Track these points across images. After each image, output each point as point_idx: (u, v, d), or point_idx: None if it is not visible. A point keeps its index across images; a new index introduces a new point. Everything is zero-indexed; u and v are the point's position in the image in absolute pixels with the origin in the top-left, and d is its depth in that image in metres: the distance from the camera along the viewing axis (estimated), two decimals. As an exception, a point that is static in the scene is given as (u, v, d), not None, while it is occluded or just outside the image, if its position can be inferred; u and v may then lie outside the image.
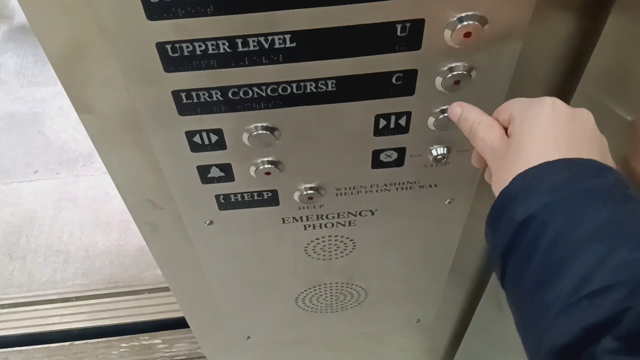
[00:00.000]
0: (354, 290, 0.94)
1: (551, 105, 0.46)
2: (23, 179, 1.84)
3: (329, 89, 0.57)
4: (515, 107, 0.48)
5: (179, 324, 1.54)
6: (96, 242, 1.70)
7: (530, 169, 0.44)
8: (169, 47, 0.52)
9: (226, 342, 1.06)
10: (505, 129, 0.49)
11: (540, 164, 0.43)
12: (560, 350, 0.39)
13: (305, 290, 0.92)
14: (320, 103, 0.58)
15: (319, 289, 0.92)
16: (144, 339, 1.53)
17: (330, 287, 0.92)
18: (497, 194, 0.47)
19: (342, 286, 0.92)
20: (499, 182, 0.46)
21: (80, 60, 0.55)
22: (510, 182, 0.44)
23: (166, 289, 1.61)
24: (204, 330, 1.03)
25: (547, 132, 0.45)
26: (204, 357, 1.48)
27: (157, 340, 1.53)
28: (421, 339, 1.14)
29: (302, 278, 0.89)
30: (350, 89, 0.57)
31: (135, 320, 1.56)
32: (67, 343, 1.53)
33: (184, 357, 1.52)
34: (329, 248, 0.82)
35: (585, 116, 0.47)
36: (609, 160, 0.46)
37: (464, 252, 0.87)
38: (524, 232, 0.42)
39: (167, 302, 1.58)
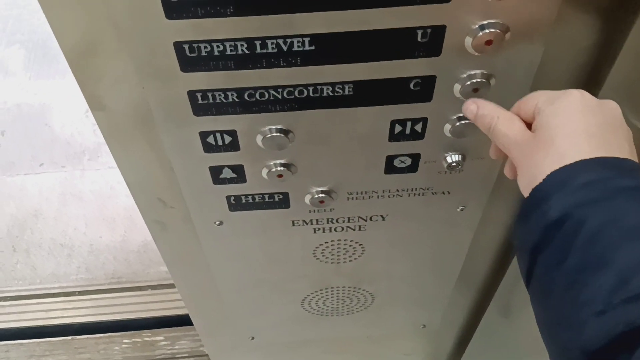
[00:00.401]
0: (361, 294, 0.93)
1: (580, 97, 0.45)
2: (28, 172, 1.84)
3: (346, 93, 0.56)
4: (540, 99, 0.47)
5: (182, 321, 1.54)
6: (100, 237, 1.70)
7: (565, 166, 0.42)
8: (186, 46, 0.51)
9: (230, 342, 1.05)
10: (527, 122, 0.48)
11: (575, 162, 0.42)
12: (592, 353, 0.37)
13: (312, 293, 0.92)
14: (337, 107, 0.58)
15: (326, 292, 0.92)
16: (146, 336, 1.53)
17: (337, 290, 0.92)
18: (523, 188, 0.46)
19: (349, 290, 0.92)
20: (527, 177, 0.45)
21: (95, 57, 0.54)
22: (544, 179, 0.43)
23: (169, 286, 1.61)
24: (209, 329, 1.03)
25: (577, 125, 0.44)
26: (206, 355, 1.48)
27: (159, 337, 1.53)
28: (426, 344, 1.14)
29: (309, 281, 0.89)
30: (367, 94, 0.57)
31: (137, 316, 1.56)
32: (69, 337, 1.53)
33: (186, 355, 1.51)
34: (338, 252, 0.81)
35: (612, 107, 0.46)
36: (634, 152, 0.45)
37: (473, 259, 0.87)
38: (557, 230, 0.41)
39: (170, 299, 1.57)
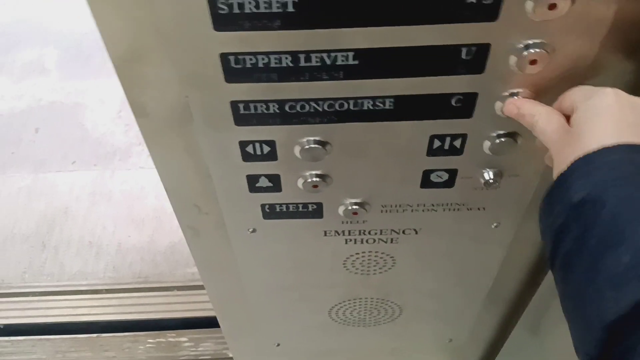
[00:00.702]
0: (389, 306, 0.93)
1: (613, 95, 0.47)
2: (60, 170, 1.87)
3: (387, 107, 0.57)
4: (577, 95, 0.49)
5: (206, 323, 1.55)
6: (128, 237, 1.72)
7: (587, 154, 0.44)
8: (232, 58, 0.52)
9: (256, 347, 1.06)
10: (567, 117, 0.49)
11: (598, 149, 0.44)
12: (610, 324, 0.39)
13: (340, 303, 0.92)
14: (377, 120, 0.58)
15: (354, 302, 0.92)
16: (171, 336, 1.54)
17: (365, 301, 0.92)
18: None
19: (377, 302, 0.91)
20: (556, 170, 0.47)
21: (141, 65, 0.55)
22: (568, 167, 0.45)
23: (195, 287, 1.62)
24: (235, 333, 1.03)
25: (607, 121, 0.46)
26: (230, 358, 1.49)
27: (183, 338, 1.54)
28: (452, 355, 1.13)
29: (337, 291, 0.89)
30: (408, 109, 0.57)
31: (162, 316, 1.57)
32: (94, 335, 1.55)
33: (209, 357, 1.52)
34: (368, 263, 0.81)
35: None
36: None
37: (503, 276, 0.86)
38: (579, 211, 0.44)
39: (195, 301, 1.58)
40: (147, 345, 1.54)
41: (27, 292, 1.63)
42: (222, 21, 0.48)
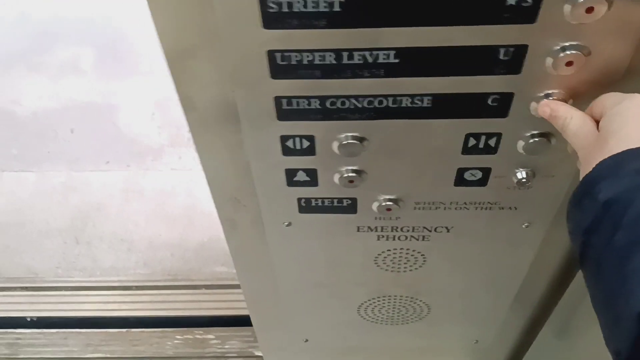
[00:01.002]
0: (417, 305, 0.94)
1: None
2: (94, 168, 1.91)
3: (424, 105, 0.59)
4: (607, 101, 0.51)
5: (233, 321, 1.58)
6: (160, 234, 1.76)
7: (612, 155, 0.47)
8: (279, 55, 0.54)
9: (285, 342, 1.08)
10: (598, 122, 0.51)
11: (622, 151, 0.46)
12: (638, 314, 0.41)
13: (369, 300, 0.94)
14: (414, 118, 0.60)
15: (383, 300, 0.93)
16: (198, 333, 1.57)
17: (394, 299, 0.93)
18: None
19: (406, 300, 0.93)
20: (584, 171, 0.49)
21: (192, 60, 0.58)
22: (594, 168, 0.48)
23: (223, 287, 1.65)
24: (266, 326, 1.06)
25: (634, 125, 0.48)
26: (255, 356, 1.51)
27: (210, 335, 1.57)
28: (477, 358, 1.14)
29: (367, 287, 0.91)
30: (445, 107, 0.59)
31: (191, 314, 1.60)
32: (125, 330, 1.58)
33: (235, 355, 1.55)
34: (399, 260, 0.83)
35: None
36: None
37: (531, 278, 0.87)
38: (607, 211, 0.45)
39: (223, 300, 1.61)
40: (175, 341, 1.57)
41: (60, 287, 1.67)
42: (271, 19, 0.51)
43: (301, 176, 0.68)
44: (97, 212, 1.82)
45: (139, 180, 1.88)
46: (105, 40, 2.25)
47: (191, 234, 1.76)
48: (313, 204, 0.73)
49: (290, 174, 0.68)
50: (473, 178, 0.67)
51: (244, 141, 0.64)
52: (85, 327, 1.60)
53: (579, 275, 0.88)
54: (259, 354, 1.51)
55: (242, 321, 1.56)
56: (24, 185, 1.89)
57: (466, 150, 0.64)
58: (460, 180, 0.68)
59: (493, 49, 0.53)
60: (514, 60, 0.54)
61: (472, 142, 0.63)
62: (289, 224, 0.77)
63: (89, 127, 2.02)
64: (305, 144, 0.64)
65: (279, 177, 0.69)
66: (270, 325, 1.04)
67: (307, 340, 1.06)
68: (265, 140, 0.64)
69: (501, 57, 0.54)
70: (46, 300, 1.65)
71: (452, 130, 0.62)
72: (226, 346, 1.56)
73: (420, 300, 0.93)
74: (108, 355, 1.56)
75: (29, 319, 1.62)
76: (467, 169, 0.66)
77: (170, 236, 1.76)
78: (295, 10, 0.50)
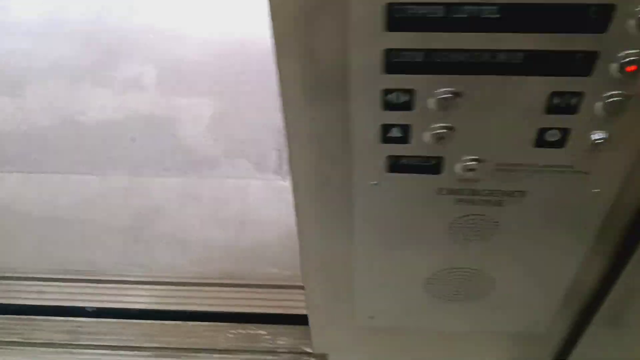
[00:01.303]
0: (483, 279, 1.00)
1: None
2: (153, 174, 2.01)
3: (518, 61, 0.66)
4: None
5: (284, 319, 1.63)
6: (214, 237, 1.83)
7: None
8: (396, 8, 0.63)
9: (351, 318, 1.13)
10: None
11: None
12: None
13: (438, 272, 0.99)
14: (506, 74, 0.68)
15: (450, 273, 0.99)
16: (250, 329, 1.63)
17: (462, 272, 0.99)
18: None
19: (472, 273, 0.99)
20: None
21: (316, 13, 0.67)
22: None
23: (275, 287, 1.71)
24: (333, 299, 1.11)
25: None
26: (306, 353, 1.56)
27: (262, 331, 1.62)
28: (529, 348, 1.18)
29: (438, 258, 0.97)
30: (535, 63, 0.66)
31: (243, 310, 1.66)
32: (180, 322, 1.65)
33: (286, 351, 1.60)
34: (473, 226, 0.89)
35: None
36: None
37: (590, 261, 0.93)
38: None
39: (275, 299, 1.67)
40: (228, 334, 1.62)
41: (118, 280, 1.75)
42: (396, -28, 0.60)
43: (395, 132, 0.76)
44: (155, 214, 1.90)
45: (196, 186, 1.97)
46: (166, 61, 2.38)
47: (243, 238, 1.83)
48: (402, 162, 0.80)
49: (386, 129, 0.76)
50: (552, 139, 0.75)
51: (351, 95, 0.72)
52: (142, 318, 1.67)
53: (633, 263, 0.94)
54: (309, 350, 1.56)
55: (294, 319, 1.62)
56: (87, 187, 1.99)
57: (549, 109, 0.71)
58: (540, 140, 0.75)
59: (583, 7, 0.61)
60: (600, 19, 0.62)
61: (555, 100, 0.70)
62: (376, 184, 0.84)
63: (149, 137, 2.13)
64: (405, 98, 0.72)
65: (375, 134, 0.77)
66: (337, 298, 1.09)
67: (372, 317, 1.12)
68: (369, 95, 0.72)
69: (589, 15, 0.62)
70: (105, 292, 1.72)
71: (538, 88, 0.69)
72: (277, 342, 1.61)
73: (487, 274, 0.99)
74: (164, 346, 1.62)
75: (89, 309, 1.69)
76: (548, 129, 0.74)
77: (224, 239, 1.83)
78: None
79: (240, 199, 1.93)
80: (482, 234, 0.90)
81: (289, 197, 0.97)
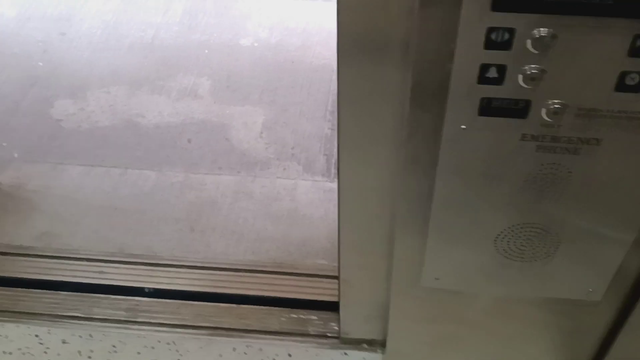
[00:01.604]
0: (549, 238, 1.08)
1: None
2: (208, 172, 2.12)
3: (608, 2, 0.77)
4: None
5: (334, 307, 1.70)
6: (266, 229, 1.92)
7: None
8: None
9: (417, 279, 1.21)
10: None
11: None
12: None
13: (508, 228, 1.07)
14: (598, 15, 0.78)
15: (519, 229, 1.07)
16: (302, 314, 1.69)
17: (530, 229, 1.07)
18: None
19: (540, 231, 1.07)
20: None
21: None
22: None
23: (324, 277, 1.79)
24: (403, 257, 1.18)
25: None
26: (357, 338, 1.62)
27: (313, 316, 1.69)
28: (584, 316, 1.24)
29: (511, 212, 1.05)
30: (624, 4, 0.77)
31: (295, 297, 1.73)
32: (234, 305, 1.72)
33: (335, 335, 1.66)
34: (548, 177, 0.98)
35: None
36: None
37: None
38: None
39: (324, 287, 1.74)
40: (281, 318, 1.69)
41: (175, 265, 1.83)
42: None
43: (492, 72, 0.86)
44: (210, 207, 2.00)
45: (248, 184, 2.07)
46: (220, 73, 2.52)
47: (294, 232, 1.92)
48: (493, 104, 0.90)
49: (484, 69, 0.86)
50: (632, 82, 0.84)
51: (459, 31, 0.83)
52: (197, 300, 1.74)
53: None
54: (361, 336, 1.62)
55: (344, 306, 1.68)
56: (145, 181, 2.09)
57: (632, 51, 0.81)
58: (621, 85, 0.85)
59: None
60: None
61: (638, 43, 0.80)
62: (466, 128, 0.93)
63: (204, 139, 2.25)
64: (505, 36, 0.82)
65: (473, 74, 0.87)
66: (408, 257, 1.17)
67: (437, 279, 1.19)
68: (475, 32, 0.82)
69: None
70: (162, 275, 1.80)
71: (623, 31, 0.79)
72: (327, 327, 1.67)
73: (553, 232, 1.07)
74: (217, 325, 1.69)
75: (146, 290, 1.77)
76: (629, 73, 0.83)
77: (276, 232, 1.92)
78: None
79: (291, 198, 2.03)
80: (556, 185, 0.99)
81: (336, 197, 1.11)
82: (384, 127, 1.02)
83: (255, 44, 2.67)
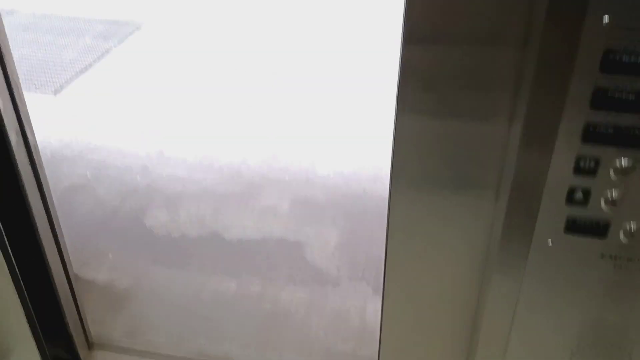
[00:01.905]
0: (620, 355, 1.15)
1: None
2: (284, 286, 2.26)
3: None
4: None
5: None
6: (336, 346, 2.01)
7: None
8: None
9: None
10: None
11: None
12: None
13: (583, 341, 1.16)
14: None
15: (593, 344, 1.16)
16: None
17: (603, 345, 1.15)
18: None
19: (611, 346, 1.15)
20: None
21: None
22: None
23: None
24: None
25: None
26: None
27: None
28: None
29: (588, 325, 1.14)
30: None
31: None
32: None
33: None
34: (623, 293, 1.08)
35: None
36: None
37: None
38: None
39: None
40: None
41: None
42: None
43: (578, 194, 1.01)
44: (284, 319, 2.12)
45: (320, 299, 2.19)
46: (298, 197, 2.74)
47: (363, 351, 2.00)
48: (578, 222, 1.03)
49: (571, 191, 1.01)
50: (703, 211, 0.97)
51: (551, 161, 0.99)
52: None
53: None
54: None
55: None
56: (226, 289, 2.25)
57: (702, 184, 0.95)
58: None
59: None
60: None
61: None
62: (552, 243, 1.06)
63: (280, 255, 2.41)
64: (591, 165, 0.97)
65: (562, 195, 1.01)
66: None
67: None
68: (565, 160, 0.98)
69: None
70: None
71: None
72: None
73: (624, 350, 1.15)
74: None
75: None
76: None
77: (345, 349, 2.01)
78: (618, 64, 0.89)
79: (360, 316, 2.13)
80: (632, 303, 1.09)
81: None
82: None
83: (331, 175, 2.90)
